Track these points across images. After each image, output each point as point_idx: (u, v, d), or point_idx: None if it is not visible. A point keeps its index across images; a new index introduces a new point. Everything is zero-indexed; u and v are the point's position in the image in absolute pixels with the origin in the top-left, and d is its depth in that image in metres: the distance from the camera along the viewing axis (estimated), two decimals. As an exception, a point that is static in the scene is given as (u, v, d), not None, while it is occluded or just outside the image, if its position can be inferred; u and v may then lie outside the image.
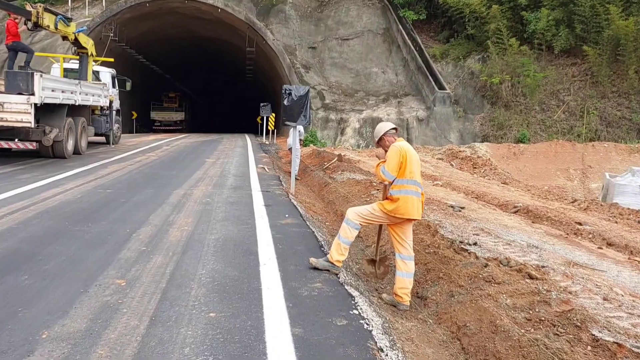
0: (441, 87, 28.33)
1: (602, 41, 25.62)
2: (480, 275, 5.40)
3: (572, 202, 11.96)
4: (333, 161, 15.25)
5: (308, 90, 10.96)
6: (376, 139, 5.56)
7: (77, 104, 14.73)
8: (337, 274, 5.37)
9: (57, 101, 13.31)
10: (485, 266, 5.58)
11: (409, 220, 5.43)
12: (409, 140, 27.59)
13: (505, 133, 26.32)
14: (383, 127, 5.56)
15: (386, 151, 5.57)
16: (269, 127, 27.66)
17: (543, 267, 5.88)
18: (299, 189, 11.77)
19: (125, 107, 35.76)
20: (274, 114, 27.84)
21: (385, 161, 5.32)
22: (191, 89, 47.96)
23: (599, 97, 25.72)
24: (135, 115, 35.62)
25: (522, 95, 27.10)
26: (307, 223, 7.86)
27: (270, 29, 31.06)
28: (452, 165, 17.12)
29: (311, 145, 24.79)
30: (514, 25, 28.06)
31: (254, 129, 37.61)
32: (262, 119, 31.67)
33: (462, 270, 5.66)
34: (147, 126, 38.51)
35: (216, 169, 13.83)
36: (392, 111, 28.75)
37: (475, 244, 6.50)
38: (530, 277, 5.38)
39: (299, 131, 15.11)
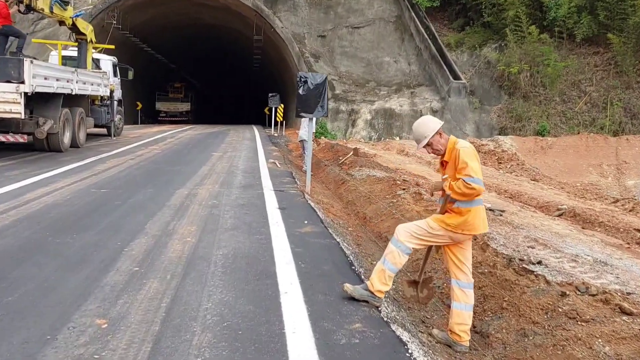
0: (456, 77, 27.02)
1: (628, 29, 24.22)
2: (560, 309, 4.24)
3: (614, 203, 10.75)
4: (349, 156, 14.07)
5: (325, 78, 9.76)
6: (423, 140, 4.23)
7: (73, 93, 13.58)
8: (378, 307, 4.21)
9: (51, 90, 12.16)
10: (563, 295, 4.41)
11: (472, 236, 4.29)
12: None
13: (524, 125, 25.04)
14: (433, 124, 4.34)
15: (436, 153, 4.40)
16: (278, 119, 26.46)
17: (629, 294, 4.71)
18: (313, 186, 10.60)
19: (129, 97, 34.66)
20: (282, 105, 26.63)
21: (447, 175, 4.17)
22: (197, 79, 46.77)
23: (623, 87, 24.36)
24: (140, 105, 34.48)
25: (541, 85, 25.77)
26: (330, 231, 6.70)
27: (278, 16, 29.75)
28: (474, 159, 15.93)
29: (322, 137, 23.60)
30: (532, 13, 26.67)
31: (262, 120, 36.43)
32: (269, 110, 30.49)
33: (532, 299, 4.50)
34: (152, 117, 37.40)
35: (223, 163, 12.68)
36: (405, 102, 27.50)
37: (539, 262, 5.32)
38: (623, 311, 4.21)
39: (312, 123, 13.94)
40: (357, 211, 9.33)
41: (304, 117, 9.78)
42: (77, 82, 13.74)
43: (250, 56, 35.83)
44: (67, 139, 13.59)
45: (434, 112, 26.73)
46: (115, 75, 19.29)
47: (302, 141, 13.97)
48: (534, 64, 25.71)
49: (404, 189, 9.40)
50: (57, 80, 12.46)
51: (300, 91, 9.61)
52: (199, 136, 21.48)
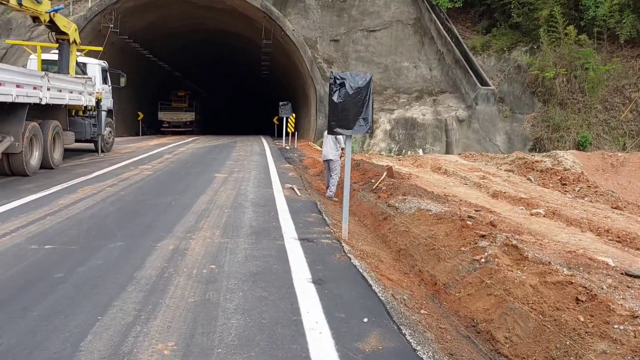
0: (483, 83, 24.06)
1: (679, 27, 21.22)
2: None
3: None
4: (382, 177, 11.10)
5: (370, 79, 6.80)
6: None
7: (43, 103, 10.70)
8: None
9: (8, 99, 9.28)
10: None
11: None
12: (448, 144, 23.38)
13: (562, 136, 22.03)
14: None
15: None
16: (289, 130, 23.54)
17: None
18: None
19: (130, 107, 31.84)
20: (294, 115, 23.71)
21: None
22: (202, 88, 43.92)
23: (675, 93, 21.30)
24: (141, 116, 31.68)
25: (579, 92, 22.76)
26: (410, 340, 3.73)
27: (288, 19, 26.90)
28: (530, 180, 12.94)
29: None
30: (567, 12, 23.68)
31: (270, 131, 33.53)
32: (279, 120, 27.60)
33: None
34: (155, 127, 34.57)
35: (228, 191, 9.72)
36: (427, 110, 24.53)
37: None
38: None
39: (339, 139, 10.99)
40: (418, 269, 6.35)
41: (341, 133, 6.81)
42: (48, 90, 10.85)
43: (258, 63, 32.99)
44: (35, 159, 10.69)
45: (460, 122, 23.78)
46: (105, 81, 16.41)
47: (327, 161, 11.03)
48: (571, 68, 22.71)
49: (483, 236, 6.40)
50: (18, 86, 9.57)
51: (336, 98, 6.66)
52: (201, 150, 18.53)
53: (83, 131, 13.81)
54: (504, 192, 10.87)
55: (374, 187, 10.56)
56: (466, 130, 23.63)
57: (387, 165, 13.12)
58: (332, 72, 6.74)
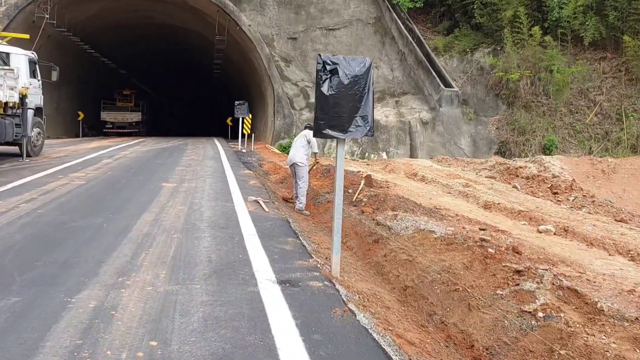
0: (447, 85, 22.86)
1: (643, 31, 20.64)
2: None
3: None
4: (361, 187, 9.38)
5: (370, 65, 5.04)
6: None
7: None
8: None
9: None
10: None
11: None
12: (412, 147, 21.99)
13: (528, 139, 21.08)
14: None
15: None
16: (245, 131, 21.51)
17: None
18: (328, 245, 5.96)
19: (70, 106, 28.87)
20: (250, 115, 21.71)
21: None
22: (150, 87, 41.02)
23: (639, 96, 20.69)
24: (81, 115, 28.80)
25: (544, 94, 21.88)
26: None
27: (244, 15, 24.85)
28: (516, 187, 11.56)
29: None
30: (531, 13, 22.79)
31: (224, 132, 31.33)
32: (233, 121, 25.52)
33: None
34: (98, 128, 31.64)
35: (178, 207, 7.73)
36: (390, 112, 23.09)
37: None
38: None
39: (308, 140, 9.23)
40: (439, 319, 4.65)
41: (332, 137, 4.97)
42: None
43: (211, 61, 30.72)
44: None
45: (424, 124, 22.47)
46: (34, 75, 13.95)
47: (292, 166, 9.24)
48: (535, 70, 21.81)
49: (519, 272, 4.77)
50: None
51: (326, 89, 4.86)
52: (147, 154, 16.26)
53: (2, 132, 11.40)
54: (498, 204, 9.36)
55: (353, 199, 8.82)
56: (430, 133, 22.33)
57: (363, 173, 11.45)
58: (319, 55, 4.92)
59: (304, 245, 5.97)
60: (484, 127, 22.28)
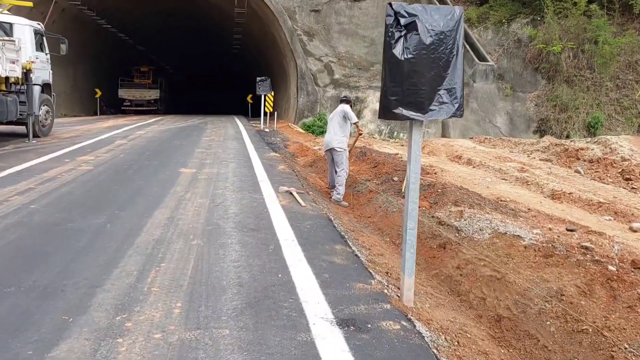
0: (481, 58, 21.09)
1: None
2: None
3: None
4: (407, 174, 7.95)
5: (461, 17, 3.58)
6: None
7: None
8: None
9: None
10: None
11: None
12: (444, 126, 20.34)
13: (571, 116, 19.31)
14: None
15: None
16: (267, 109, 20.10)
17: None
18: (381, 251, 4.64)
19: (87, 83, 27.69)
20: (272, 93, 20.25)
21: None
22: (169, 64, 39.66)
23: (694, 69, 18.74)
24: (99, 93, 27.63)
25: (587, 68, 20.00)
26: None
27: (263, -15, 23.21)
28: (579, 172, 10.05)
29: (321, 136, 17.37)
30: (573, -20, 20.77)
31: (244, 110, 29.98)
32: (254, 98, 24.15)
33: None
34: (116, 106, 30.49)
35: (197, 200, 6.42)
36: (420, 88, 21.41)
37: None
38: None
39: (344, 116, 7.85)
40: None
41: (409, 118, 3.54)
42: None
43: (230, 36, 29.24)
44: None
45: (457, 101, 20.77)
46: (41, 48, 12.67)
47: (329, 151, 7.87)
48: (579, 42, 19.91)
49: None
50: None
51: (399, 52, 3.44)
52: (165, 134, 14.97)
53: (4, 111, 10.18)
54: (569, 194, 7.88)
55: (402, 190, 7.41)
56: (464, 111, 20.67)
57: (401, 156, 10.02)
58: (389, 4, 3.48)
59: (356, 255, 4.61)
60: (521, 103, 20.54)
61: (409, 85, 3.49)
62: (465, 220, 5.62)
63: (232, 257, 4.31)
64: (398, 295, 3.79)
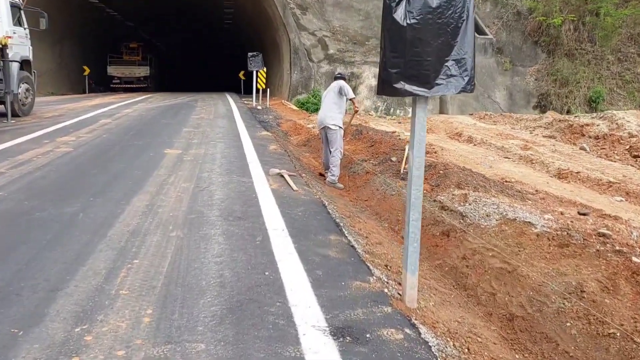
0: (480, 31, 20.47)
1: None
2: None
3: None
4: (406, 154, 7.49)
5: (472, -28, 3.08)
6: None
7: None
8: None
9: None
10: None
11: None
12: (442, 101, 19.81)
13: (572, 91, 18.84)
14: None
15: None
16: (259, 86, 19.48)
17: None
18: (381, 243, 4.24)
19: (74, 61, 26.89)
20: (265, 69, 19.61)
21: None
22: (159, 40, 38.65)
23: (699, 42, 18.22)
24: (87, 70, 26.83)
25: (589, 41, 19.45)
26: None
27: (255, -44, 22.39)
28: (584, 149, 9.63)
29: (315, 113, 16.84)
30: (575, -51, 20.04)
31: (236, 87, 29.26)
32: (245, 75, 23.47)
33: None
34: (105, 84, 29.70)
35: (181, 184, 5.95)
36: (417, 63, 20.80)
37: None
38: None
39: (340, 92, 7.38)
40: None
41: (411, 93, 3.08)
42: None
43: (222, 10, 28.34)
44: None
45: (454, 76, 20.20)
46: (19, 23, 12.01)
47: (323, 129, 7.41)
48: (580, 14, 19.30)
49: None
50: None
51: (400, 16, 2.94)
52: (152, 112, 14.39)
53: (-22, 89, 9.61)
54: (577, 173, 7.46)
55: (400, 171, 6.97)
56: (461, 86, 20.10)
57: (399, 134, 9.55)
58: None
59: (352, 247, 4.18)
60: (521, 78, 20.01)
61: (413, 56, 3.01)
62: (470, 204, 5.19)
63: (215, 251, 3.86)
64: (399, 294, 3.37)
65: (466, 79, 3.11)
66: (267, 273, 3.48)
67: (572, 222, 4.60)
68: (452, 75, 3.07)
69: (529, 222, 4.52)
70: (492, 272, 4.02)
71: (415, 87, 3.04)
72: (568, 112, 17.92)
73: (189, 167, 6.90)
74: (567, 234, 4.14)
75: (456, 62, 3.08)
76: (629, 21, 18.92)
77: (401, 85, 3.05)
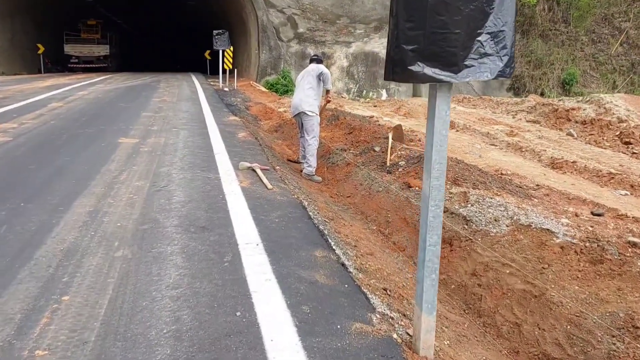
0: (453, 11, 19.71)
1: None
2: None
3: None
4: (389, 143, 6.70)
5: None
6: None
7: None
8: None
9: None
10: None
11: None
12: (414, 87, 19.13)
13: (545, 72, 18.38)
14: None
15: None
16: (226, 66, 18.33)
17: None
18: (373, 256, 3.46)
19: (27, 39, 25.00)
20: (232, 48, 18.43)
21: None
22: (120, 17, 36.58)
23: (671, 23, 17.96)
24: (42, 49, 24.99)
25: (562, 21, 18.98)
26: None
27: None
28: (571, 135, 9.04)
29: (285, 96, 15.91)
30: None
31: (202, 67, 27.90)
32: (211, 54, 22.20)
33: None
34: (63, 64, 27.83)
35: (134, 183, 5.00)
36: (389, 43, 19.98)
37: None
38: None
39: (319, 76, 6.53)
40: None
41: (432, 79, 2.27)
42: None
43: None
44: None
45: (428, 57, 19.47)
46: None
47: (298, 115, 6.55)
48: (554, -6, 18.79)
49: None
50: None
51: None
52: (109, 95, 13.16)
53: None
54: (573, 162, 6.83)
55: (386, 163, 6.17)
56: (435, 67, 19.40)
57: (377, 119, 8.76)
58: None
59: (343, 264, 3.38)
60: (494, 59, 19.42)
61: (436, 27, 2.17)
62: (472, 205, 4.45)
63: (171, 279, 2.99)
64: (408, 334, 2.60)
65: (504, 59, 2.30)
66: (238, 313, 2.64)
67: (592, 227, 3.91)
68: (486, 54, 2.26)
69: (548, 229, 3.80)
70: (512, 296, 3.29)
71: (438, 71, 2.22)
72: (542, 94, 17.47)
73: (146, 160, 5.94)
74: (598, 246, 3.44)
75: (492, 37, 2.26)
76: (603, 1, 18.49)
77: (419, 67, 2.22)
